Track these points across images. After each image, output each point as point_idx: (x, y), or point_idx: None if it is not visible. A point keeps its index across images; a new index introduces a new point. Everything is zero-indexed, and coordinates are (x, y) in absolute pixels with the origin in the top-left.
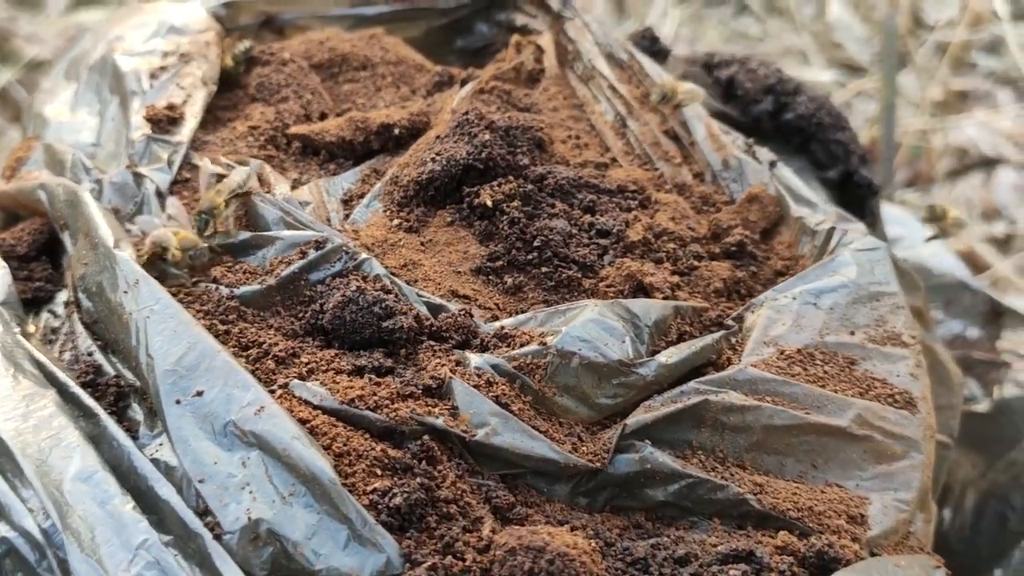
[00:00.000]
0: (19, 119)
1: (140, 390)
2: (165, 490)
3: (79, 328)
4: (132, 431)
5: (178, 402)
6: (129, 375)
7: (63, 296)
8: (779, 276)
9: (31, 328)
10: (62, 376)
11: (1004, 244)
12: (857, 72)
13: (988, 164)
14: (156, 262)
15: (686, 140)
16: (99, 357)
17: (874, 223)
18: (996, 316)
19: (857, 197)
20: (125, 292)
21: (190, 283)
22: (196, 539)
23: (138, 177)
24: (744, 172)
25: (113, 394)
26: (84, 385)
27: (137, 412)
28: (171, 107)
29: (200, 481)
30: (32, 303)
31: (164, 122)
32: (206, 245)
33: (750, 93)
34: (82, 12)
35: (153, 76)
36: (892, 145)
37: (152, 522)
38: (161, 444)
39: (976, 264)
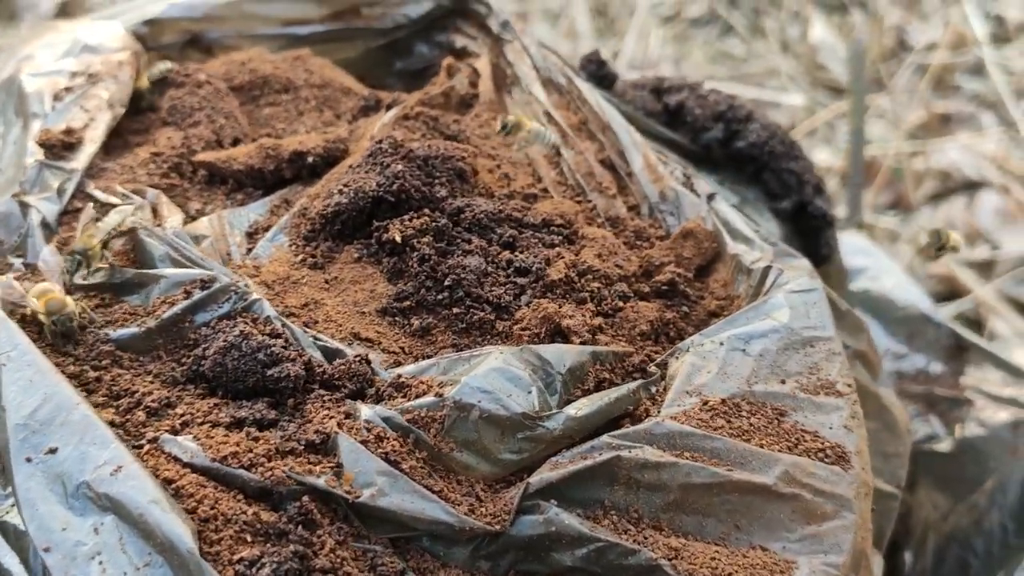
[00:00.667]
0: None
1: None
2: (7, 558)
3: None
4: None
5: (29, 460)
6: None
7: None
8: (713, 317)
9: None
10: None
11: (986, 268)
12: (841, 94)
13: (971, 187)
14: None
15: (623, 170)
16: None
17: (830, 255)
18: (960, 351)
19: (812, 228)
20: None
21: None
22: None
23: (24, 207)
24: (681, 205)
25: None
26: None
27: None
28: (68, 131)
29: (45, 550)
30: None
31: (59, 147)
32: (74, 310)
33: (700, 120)
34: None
35: (56, 97)
36: (860, 170)
37: None
38: (12, 506)
39: (956, 288)
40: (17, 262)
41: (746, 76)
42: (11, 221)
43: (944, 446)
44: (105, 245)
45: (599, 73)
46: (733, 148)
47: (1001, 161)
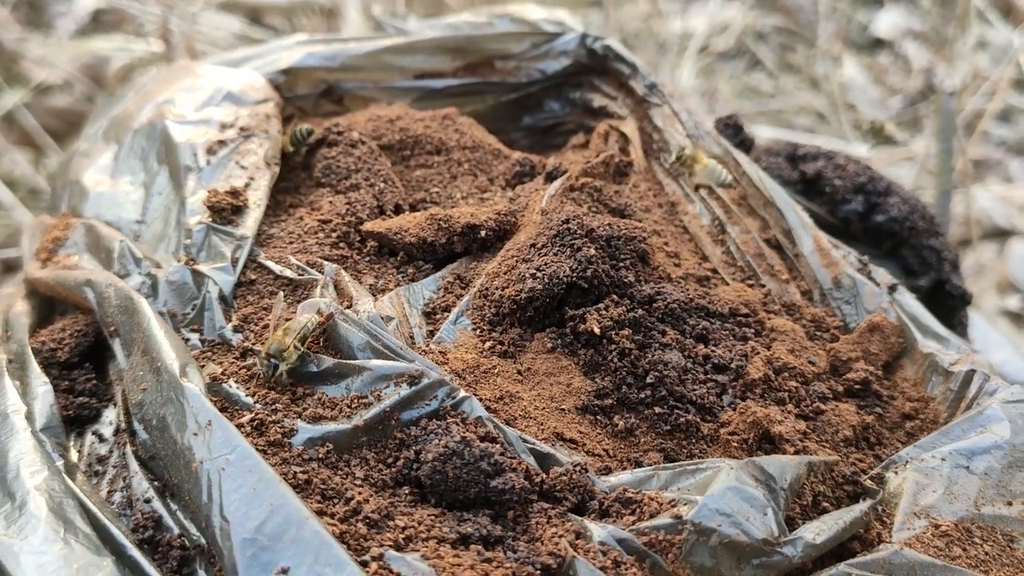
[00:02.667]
0: (26, 142)
1: (207, 551)
2: None
3: (133, 464)
4: None
5: None
6: (193, 530)
7: (110, 414)
8: (907, 420)
9: (73, 456)
10: (119, 536)
11: (1019, 319)
12: (874, 135)
13: (1002, 235)
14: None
15: (790, 251)
16: (158, 505)
17: (964, 333)
18: None
19: (948, 307)
20: (195, 434)
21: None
22: None
23: (198, 276)
24: (859, 294)
25: (177, 557)
26: (142, 542)
27: None
28: (234, 193)
29: None
30: (74, 421)
31: (227, 211)
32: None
33: (839, 191)
34: (94, 38)
35: (210, 151)
36: (947, 231)
37: None
38: None
39: None
40: (194, 337)
41: (774, 113)
42: (185, 291)
43: None
44: (303, 341)
45: (736, 138)
46: (872, 222)
47: None
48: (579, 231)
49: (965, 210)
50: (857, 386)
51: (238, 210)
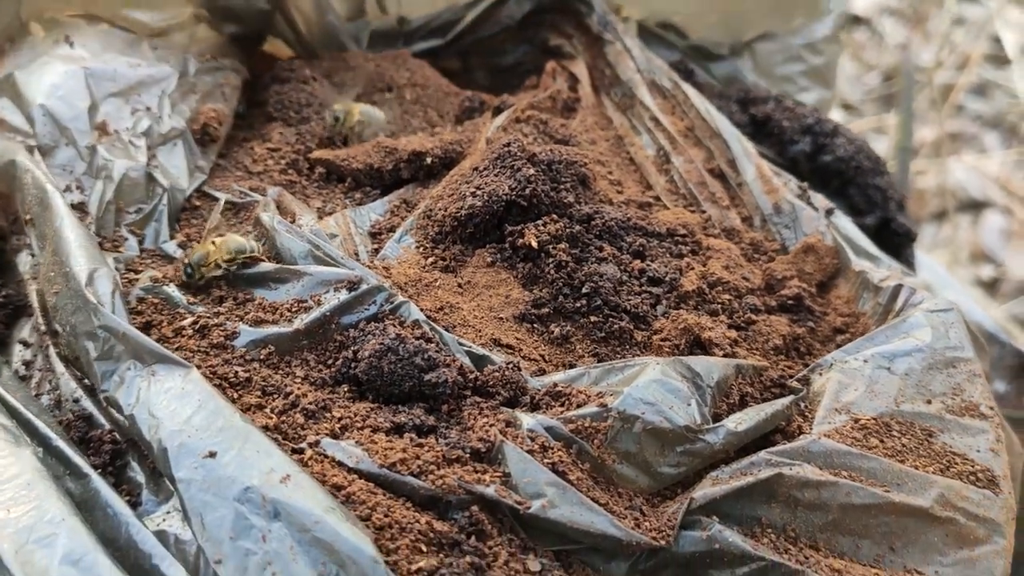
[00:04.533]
0: None
1: (139, 445)
2: (173, 571)
3: (59, 366)
4: (133, 495)
5: (187, 465)
6: (127, 425)
7: (28, 321)
8: (838, 333)
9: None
10: (44, 428)
11: (992, 287)
12: (849, 111)
13: (976, 207)
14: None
15: (733, 180)
16: (88, 403)
17: (911, 271)
18: (1023, 371)
19: (894, 245)
20: (110, 345)
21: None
22: None
23: (152, 182)
24: (798, 218)
25: (108, 451)
26: (73, 440)
27: (138, 472)
28: (220, 123)
29: (217, 562)
30: None
31: (207, 135)
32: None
33: (787, 132)
34: None
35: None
36: (906, 187)
37: None
38: (168, 512)
39: None
40: (132, 240)
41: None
42: (136, 191)
43: None
44: (228, 263)
45: (689, 80)
46: (820, 161)
47: (1004, 182)
48: (520, 154)
49: (939, 182)
50: (790, 301)
51: (215, 139)
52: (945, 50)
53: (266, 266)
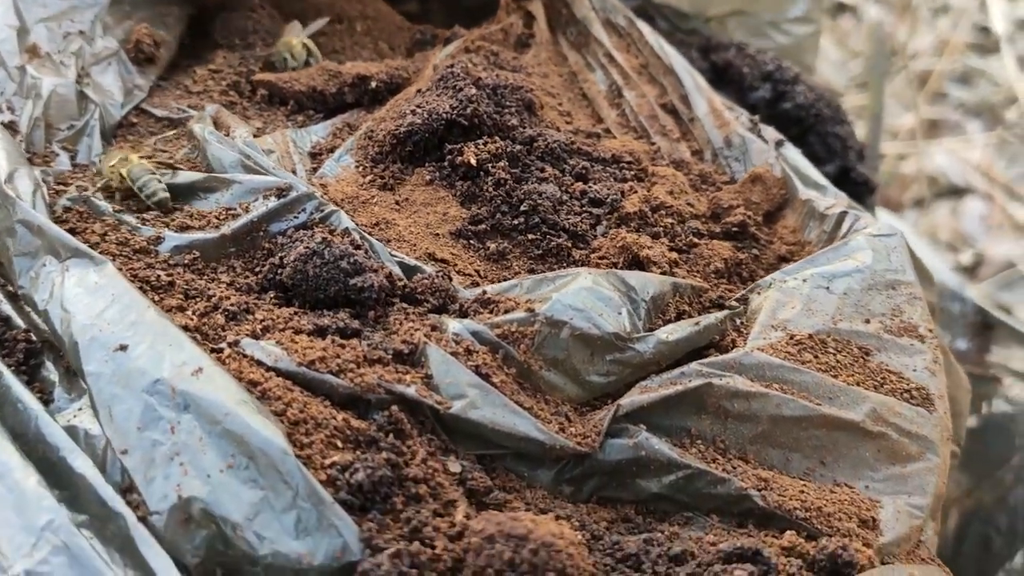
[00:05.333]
0: None
1: (55, 346)
2: (79, 462)
3: None
4: (45, 393)
5: (98, 358)
6: (42, 325)
7: None
8: (783, 261)
9: None
10: None
11: (971, 272)
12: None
13: (957, 193)
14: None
15: (685, 116)
16: (6, 307)
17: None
18: (986, 329)
19: (854, 194)
20: (27, 240)
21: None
22: (116, 520)
23: (84, 99)
24: (748, 151)
25: (23, 350)
26: None
27: (51, 372)
28: (156, 43)
29: (123, 452)
30: None
31: (144, 55)
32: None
33: (747, 79)
34: None
35: None
36: (877, 154)
37: (62, 499)
38: (80, 409)
39: None
40: (64, 155)
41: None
42: (66, 107)
43: (970, 423)
44: (122, 180)
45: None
46: (779, 109)
47: (986, 169)
48: (463, 75)
49: (919, 168)
50: (735, 229)
51: (152, 59)
52: (929, 37)
53: (195, 175)
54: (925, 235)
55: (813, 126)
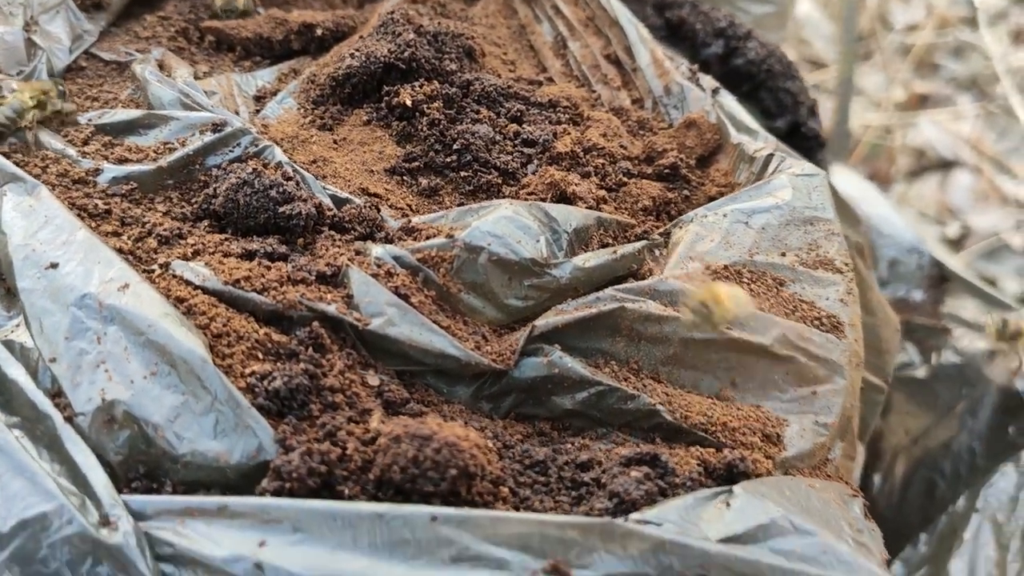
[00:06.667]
0: None
1: None
2: (13, 370)
3: None
4: None
5: (30, 275)
6: None
7: None
8: (711, 202)
9: None
10: None
11: (957, 244)
12: (822, 69)
13: (946, 166)
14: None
15: (628, 66)
16: None
17: None
18: (941, 281)
19: (804, 149)
20: None
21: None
22: (45, 421)
23: (32, 46)
24: (686, 99)
25: None
26: None
27: None
28: None
29: (52, 360)
30: None
31: (90, 3)
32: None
33: (700, 35)
34: None
35: None
36: (847, 119)
37: None
38: (17, 325)
39: None
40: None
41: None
42: (14, 54)
43: (919, 373)
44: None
45: None
46: (731, 65)
47: (976, 142)
48: (403, 21)
49: (904, 140)
50: (667, 171)
51: (101, 5)
52: (921, 9)
53: (134, 112)
54: (912, 207)
55: (764, 82)
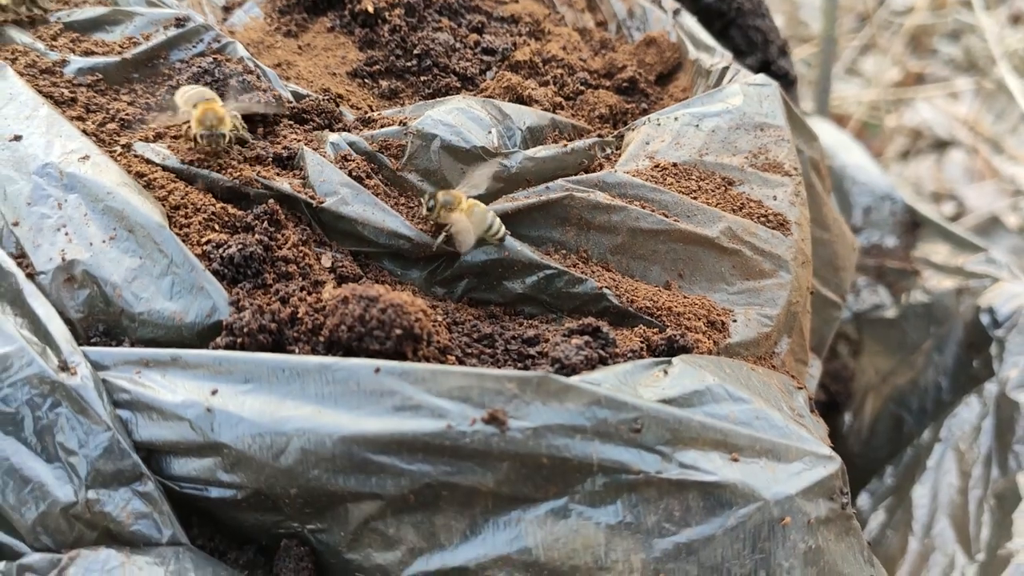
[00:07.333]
0: None
1: None
2: None
3: None
4: None
5: None
6: None
7: None
8: None
9: None
10: None
11: (952, 223)
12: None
13: (941, 146)
14: None
15: None
16: None
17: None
18: (914, 227)
19: None
20: None
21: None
22: (7, 279)
23: None
24: (648, 20)
25: None
26: None
27: None
28: None
29: (14, 224)
30: None
31: None
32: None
33: None
34: None
35: None
36: (828, 73)
37: None
38: None
39: None
40: None
41: None
42: None
43: (890, 313)
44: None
45: None
46: (703, 2)
47: (972, 123)
48: None
49: (900, 119)
50: (625, 84)
51: None
52: None
53: (100, 9)
54: (909, 186)
55: (734, 19)
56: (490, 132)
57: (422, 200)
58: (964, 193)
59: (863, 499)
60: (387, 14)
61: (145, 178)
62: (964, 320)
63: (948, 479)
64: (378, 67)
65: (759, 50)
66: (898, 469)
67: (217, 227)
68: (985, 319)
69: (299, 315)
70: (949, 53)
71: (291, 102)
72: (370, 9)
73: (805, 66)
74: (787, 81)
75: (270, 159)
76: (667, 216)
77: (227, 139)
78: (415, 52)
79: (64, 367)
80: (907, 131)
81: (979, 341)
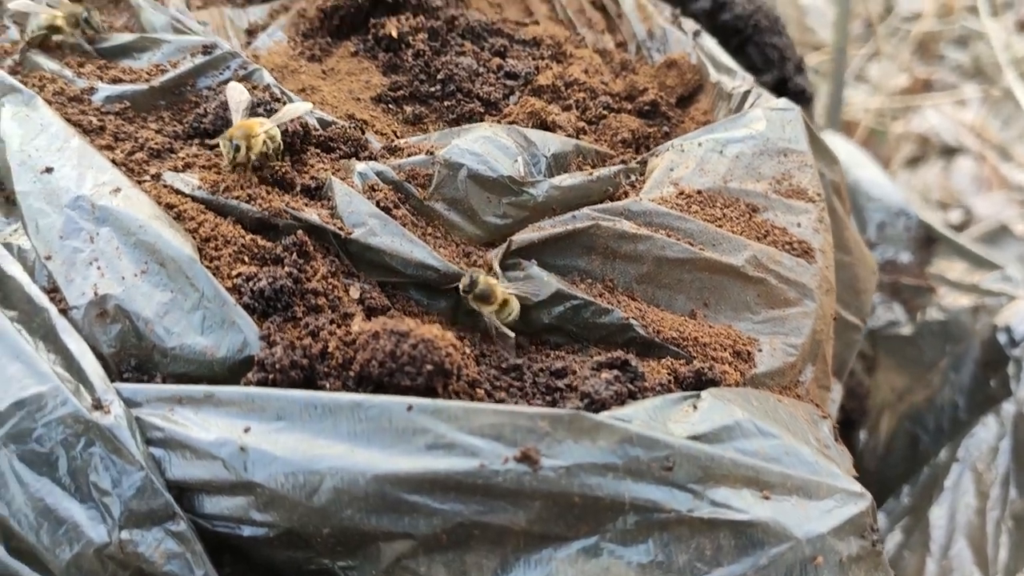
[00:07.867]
0: None
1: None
2: (12, 268)
3: None
4: None
5: (26, 180)
6: None
7: None
8: None
9: None
10: None
11: (959, 231)
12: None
13: (948, 153)
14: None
15: (613, 11)
16: None
17: None
18: (929, 243)
19: None
20: None
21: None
22: (41, 314)
23: None
24: (668, 41)
25: None
26: None
27: None
28: None
29: (47, 258)
30: None
31: None
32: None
33: None
34: None
35: None
36: (841, 88)
37: None
38: (15, 231)
39: None
40: (13, 29)
41: None
42: None
43: (905, 330)
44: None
45: None
46: (719, 20)
47: (979, 130)
48: None
49: (907, 126)
50: (647, 107)
51: None
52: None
53: (128, 36)
54: (916, 193)
55: (751, 36)
56: (516, 161)
57: (461, 280)
58: (972, 202)
59: (880, 519)
60: (411, 38)
61: (175, 209)
62: (981, 338)
63: (966, 500)
64: (402, 92)
65: (776, 67)
66: (915, 489)
67: (247, 259)
68: (1002, 338)
69: (329, 349)
70: (957, 59)
71: (317, 129)
72: (394, 34)
73: (813, 74)
74: (804, 98)
75: (298, 190)
76: (692, 245)
77: (248, 157)
78: (439, 77)
79: (98, 405)
80: (914, 138)
81: (996, 360)
